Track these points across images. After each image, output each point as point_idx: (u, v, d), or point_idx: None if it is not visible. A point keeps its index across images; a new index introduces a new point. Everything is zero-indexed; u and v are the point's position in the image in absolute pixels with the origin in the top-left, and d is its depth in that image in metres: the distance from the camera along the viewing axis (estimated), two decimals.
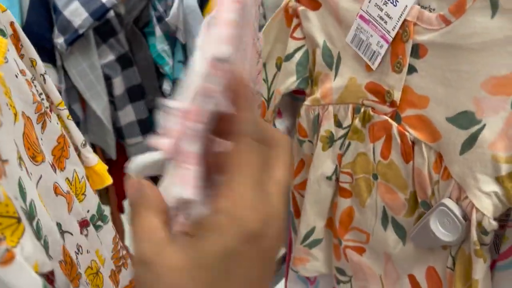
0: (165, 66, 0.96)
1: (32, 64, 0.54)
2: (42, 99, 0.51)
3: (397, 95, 0.45)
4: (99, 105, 0.92)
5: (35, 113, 0.48)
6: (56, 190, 0.47)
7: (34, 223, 0.37)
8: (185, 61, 1.01)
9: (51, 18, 0.89)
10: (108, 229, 0.60)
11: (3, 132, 0.37)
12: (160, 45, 0.95)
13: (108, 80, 0.94)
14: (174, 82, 1.00)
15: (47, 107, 0.51)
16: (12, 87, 0.44)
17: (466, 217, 0.46)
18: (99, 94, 0.92)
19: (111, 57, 0.93)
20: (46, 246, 0.38)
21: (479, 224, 0.44)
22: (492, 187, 0.43)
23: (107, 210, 0.71)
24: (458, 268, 0.48)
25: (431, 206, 0.48)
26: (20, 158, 0.39)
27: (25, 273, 0.29)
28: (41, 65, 0.55)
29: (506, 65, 0.38)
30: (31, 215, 0.37)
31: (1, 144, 0.35)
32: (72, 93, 0.93)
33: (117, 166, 0.86)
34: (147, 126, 1.01)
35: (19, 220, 0.33)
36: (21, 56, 0.52)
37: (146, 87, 0.98)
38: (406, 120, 0.46)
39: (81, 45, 0.89)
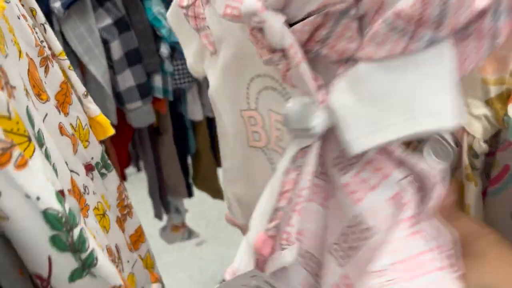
0: (162, 28, 0.97)
1: (32, 13, 0.55)
2: (44, 46, 0.52)
3: None
4: (99, 69, 0.93)
5: (38, 56, 0.49)
6: (61, 130, 0.49)
7: (43, 150, 0.39)
8: None
9: None
10: (113, 177, 0.62)
11: (9, 62, 0.38)
12: (156, 8, 0.96)
13: (106, 44, 0.95)
14: (171, 45, 1.01)
15: (49, 54, 0.52)
16: (15, 28, 0.45)
17: (458, 143, 0.48)
18: (97, 57, 0.93)
19: (108, 21, 0.94)
20: (55, 173, 0.40)
21: (470, 147, 0.46)
22: (482, 110, 0.45)
23: None
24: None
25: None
26: (26, 90, 0.41)
27: (39, 178, 0.31)
28: (41, 15, 0.56)
29: None
30: (39, 142, 0.39)
31: (9, 70, 0.36)
32: (71, 59, 0.93)
33: (117, 132, 0.87)
34: (146, 90, 1.02)
35: (29, 139, 0.34)
36: (21, 5, 0.53)
37: (143, 50, 0.99)
38: None
39: (78, 9, 0.90)
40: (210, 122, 1.24)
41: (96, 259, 0.33)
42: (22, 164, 0.30)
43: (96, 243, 0.34)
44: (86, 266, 0.33)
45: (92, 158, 0.58)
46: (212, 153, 1.27)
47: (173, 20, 0.56)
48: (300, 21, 0.37)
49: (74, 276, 0.33)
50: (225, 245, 2.04)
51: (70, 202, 0.40)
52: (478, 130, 0.45)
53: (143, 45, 0.98)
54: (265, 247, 0.41)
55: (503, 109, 0.44)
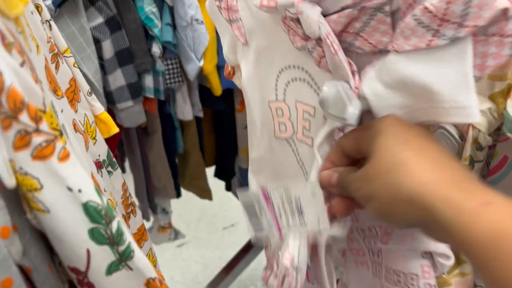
0: (154, 28, 0.96)
1: (38, 10, 0.54)
2: (52, 41, 0.52)
3: None
4: (90, 69, 0.92)
5: (49, 53, 0.49)
6: (75, 127, 0.48)
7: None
8: (173, 23, 1.01)
9: None
10: (117, 175, 0.62)
11: (34, 57, 0.38)
12: (148, 7, 0.95)
13: (97, 43, 0.94)
14: (162, 45, 1.01)
15: (58, 50, 0.52)
16: (30, 23, 0.44)
17: (463, 137, 0.50)
18: (89, 57, 0.91)
19: (99, 20, 0.93)
20: None
21: (475, 140, 0.49)
22: (487, 104, 0.47)
23: None
24: None
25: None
26: (48, 86, 0.41)
27: (79, 171, 0.31)
28: (46, 11, 0.55)
29: None
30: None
31: (36, 66, 0.36)
32: None
33: None
34: (137, 90, 1.02)
35: (61, 133, 0.34)
36: None
37: (135, 50, 0.98)
38: None
39: (70, 8, 0.89)
40: (199, 122, 1.24)
41: (133, 251, 0.34)
42: (64, 157, 0.30)
43: (131, 236, 0.34)
44: (124, 259, 0.33)
45: (99, 155, 0.57)
46: (201, 152, 1.27)
47: (210, 10, 0.57)
48: (333, 14, 0.39)
49: (111, 269, 0.33)
50: (206, 246, 2.04)
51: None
52: (483, 124, 0.47)
53: (135, 44, 0.97)
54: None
55: (503, 103, 0.47)
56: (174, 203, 1.38)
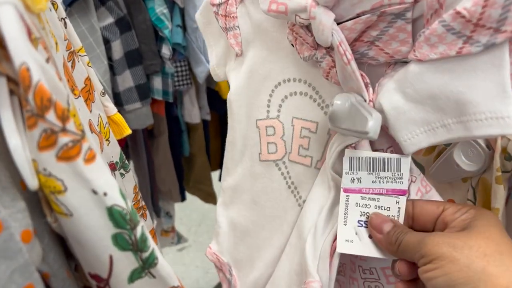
0: (164, 29, 0.95)
1: (54, 7, 0.53)
2: (68, 39, 0.50)
3: None
4: (99, 69, 0.91)
5: (66, 51, 0.47)
6: (91, 127, 0.47)
7: None
8: (183, 25, 1.00)
9: None
10: (129, 178, 0.60)
11: (54, 54, 0.37)
12: (159, 8, 0.94)
13: (107, 43, 0.93)
14: (172, 47, 1.00)
15: (75, 49, 0.50)
16: (49, 20, 0.43)
17: (490, 146, 0.48)
18: (99, 57, 0.90)
19: (110, 20, 0.92)
20: None
21: (504, 149, 0.47)
22: None
23: None
24: (479, 198, 0.51)
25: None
26: (66, 85, 0.39)
27: (106, 173, 0.29)
28: (61, 9, 0.54)
29: None
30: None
31: (57, 63, 0.35)
32: None
33: None
34: (145, 91, 1.00)
35: (83, 132, 0.33)
36: None
37: (144, 51, 0.97)
38: None
39: (80, 7, 0.88)
40: (206, 125, 1.22)
41: (157, 258, 0.32)
42: (91, 158, 0.29)
43: (153, 243, 0.33)
44: (147, 266, 0.32)
45: (112, 157, 0.56)
46: (207, 156, 1.26)
47: (202, 19, 0.54)
48: (348, 20, 0.37)
49: (134, 276, 0.32)
50: (206, 250, 2.02)
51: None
52: None
53: (145, 45, 0.96)
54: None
55: None
56: (175, 207, 1.37)
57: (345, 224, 0.41)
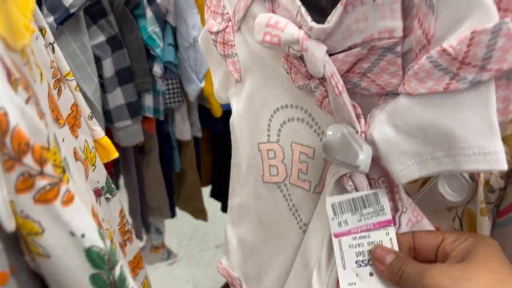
0: (156, 48, 0.95)
1: (42, 32, 0.53)
2: (55, 66, 0.50)
3: None
4: (90, 87, 0.91)
5: (52, 78, 0.47)
6: (76, 155, 0.47)
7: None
8: (175, 44, 1.01)
9: None
10: (116, 202, 0.60)
11: (37, 87, 0.37)
12: (151, 27, 0.94)
13: (98, 61, 0.93)
14: (164, 65, 1.00)
15: (61, 75, 0.50)
16: (35, 50, 0.43)
17: (473, 178, 0.49)
18: (89, 75, 0.90)
19: (101, 38, 0.92)
20: None
21: (487, 182, 0.48)
22: None
23: None
24: (465, 227, 0.51)
25: None
26: (50, 116, 0.39)
27: (83, 214, 0.29)
28: (50, 34, 0.54)
29: None
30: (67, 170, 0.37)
31: (40, 97, 0.35)
32: None
33: None
34: (136, 109, 1.00)
35: (64, 170, 0.33)
36: None
37: (136, 69, 0.97)
38: None
39: (72, 26, 0.88)
40: (197, 141, 1.22)
41: None
42: (69, 200, 0.28)
43: (133, 281, 0.33)
44: None
45: (98, 182, 0.56)
46: (198, 172, 1.26)
47: (203, 44, 0.55)
48: (340, 52, 0.37)
49: None
50: (198, 264, 2.01)
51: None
52: None
53: (136, 64, 0.96)
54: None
55: None
56: (166, 220, 1.36)
57: (344, 268, 0.41)
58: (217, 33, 0.50)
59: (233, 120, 0.53)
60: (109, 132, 1.02)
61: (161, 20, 0.97)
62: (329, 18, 0.35)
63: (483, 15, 0.29)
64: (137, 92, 1.00)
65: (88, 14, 0.90)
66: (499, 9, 0.29)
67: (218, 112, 1.11)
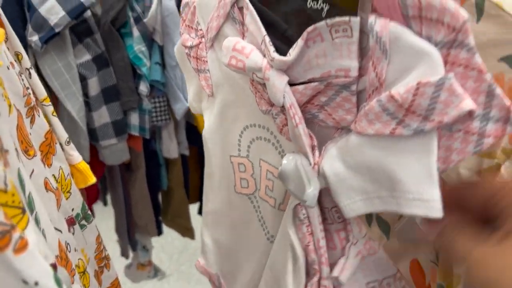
0: (142, 67, 0.95)
1: (18, 58, 0.52)
2: (29, 93, 0.50)
3: None
4: (74, 106, 0.90)
5: (25, 107, 0.47)
6: (47, 186, 0.46)
7: (33, 216, 0.37)
8: (162, 63, 1.00)
9: (24, 15, 0.87)
10: (92, 229, 0.59)
11: (1, 122, 0.36)
12: (138, 46, 0.94)
13: (83, 80, 0.92)
14: (150, 83, 1.00)
15: (35, 102, 0.50)
16: (5, 79, 0.42)
17: None
18: (74, 94, 0.90)
19: (87, 57, 0.92)
20: (45, 239, 0.37)
21: None
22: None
23: None
24: (441, 261, 0.50)
25: None
26: (16, 150, 0.39)
27: (37, 262, 0.28)
28: (26, 59, 0.53)
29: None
30: (30, 207, 0.36)
31: (1, 132, 0.34)
32: None
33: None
34: (122, 127, 1.00)
35: (23, 211, 0.32)
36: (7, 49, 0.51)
37: (122, 88, 0.96)
38: None
39: (57, 44, 0.88)
40: (185, 159, 1.22)
41: None
42: (21, 248, 0.28)
43: None
44: None
45: (73, 209, 0.55)
46: (184, 190, 1.25)
47: (178, 55, 0.56)
48: (300, 84, 0.37)
49: None
50: (188, 279, 1.99)
51: (62, 274, 0.37)
52: None
53: (122, 82, 0.96)
54: None
55: None
56: (151, 239, 1.35)
57: None
58: (190, 47, 0.50)
59: (205, 134, 0.54)
60: (94, 150, 1.01)
61: (149, 39, 0.97)
62: (290, 51, 0.36)
63: (429, 67, 0.29)
64: (123, 111, 0.99)
65: (74, 32, 0.90)
66: (446, 62, 0.29)
67: None
